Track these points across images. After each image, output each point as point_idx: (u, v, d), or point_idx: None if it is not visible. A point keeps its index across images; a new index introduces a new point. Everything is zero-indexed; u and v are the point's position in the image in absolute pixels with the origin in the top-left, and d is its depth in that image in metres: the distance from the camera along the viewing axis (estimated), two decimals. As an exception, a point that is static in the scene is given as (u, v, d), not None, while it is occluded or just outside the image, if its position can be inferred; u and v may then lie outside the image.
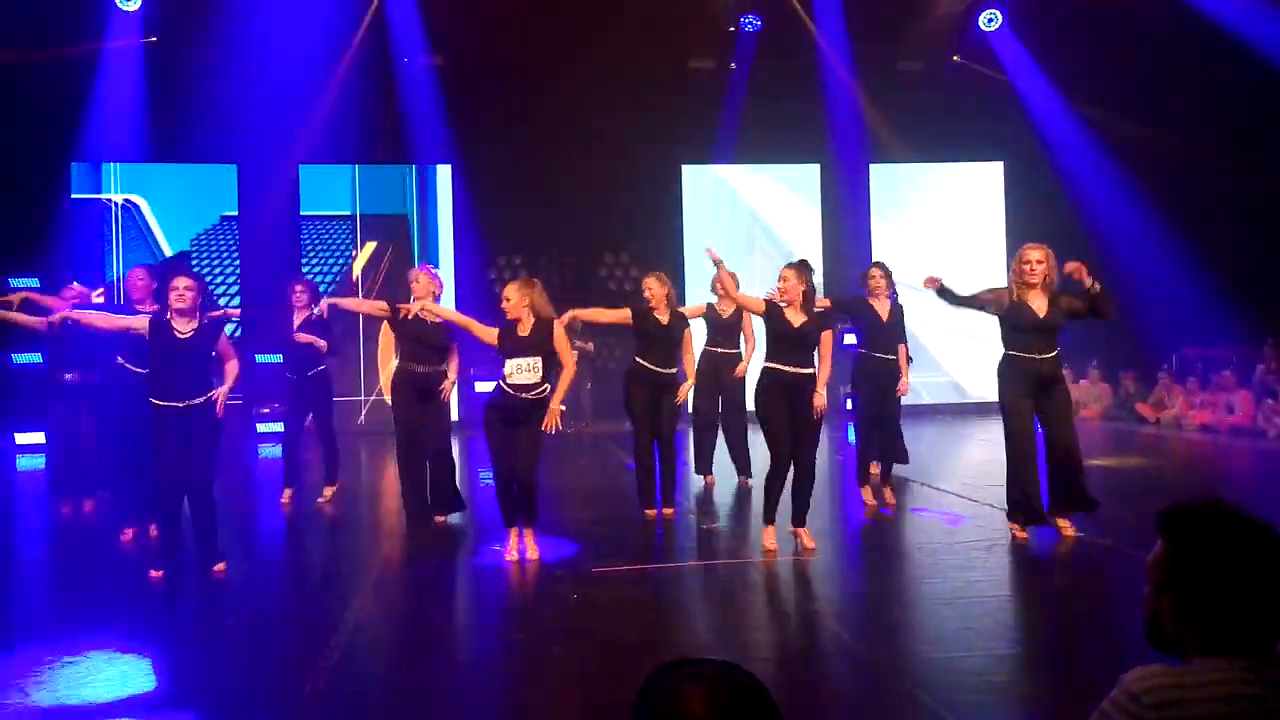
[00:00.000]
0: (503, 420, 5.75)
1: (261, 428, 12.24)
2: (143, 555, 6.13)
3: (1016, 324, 5.94)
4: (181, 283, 5.57)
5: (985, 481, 8.39)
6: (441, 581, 5.89)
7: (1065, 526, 6.05)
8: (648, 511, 6.97)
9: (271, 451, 10.82)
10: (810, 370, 5.88)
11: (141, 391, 5.91)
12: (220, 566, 5.65)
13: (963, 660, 4.15)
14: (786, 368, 5.81)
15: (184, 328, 5.55)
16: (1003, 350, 6.07)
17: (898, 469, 7.83)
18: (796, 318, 5.85)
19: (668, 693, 1.19)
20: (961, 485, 7.93)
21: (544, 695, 3.88)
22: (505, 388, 5.72)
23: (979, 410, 13.41)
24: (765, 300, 6.00)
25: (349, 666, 4.17)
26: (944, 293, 6.30)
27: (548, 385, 5.76)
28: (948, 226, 14.27)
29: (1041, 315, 5.90)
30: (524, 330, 5.73)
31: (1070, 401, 6.19)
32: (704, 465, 8.25)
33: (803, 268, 5.96)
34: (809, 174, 14.14)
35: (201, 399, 5.53)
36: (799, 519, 5.95)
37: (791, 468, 5.85)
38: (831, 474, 8.63)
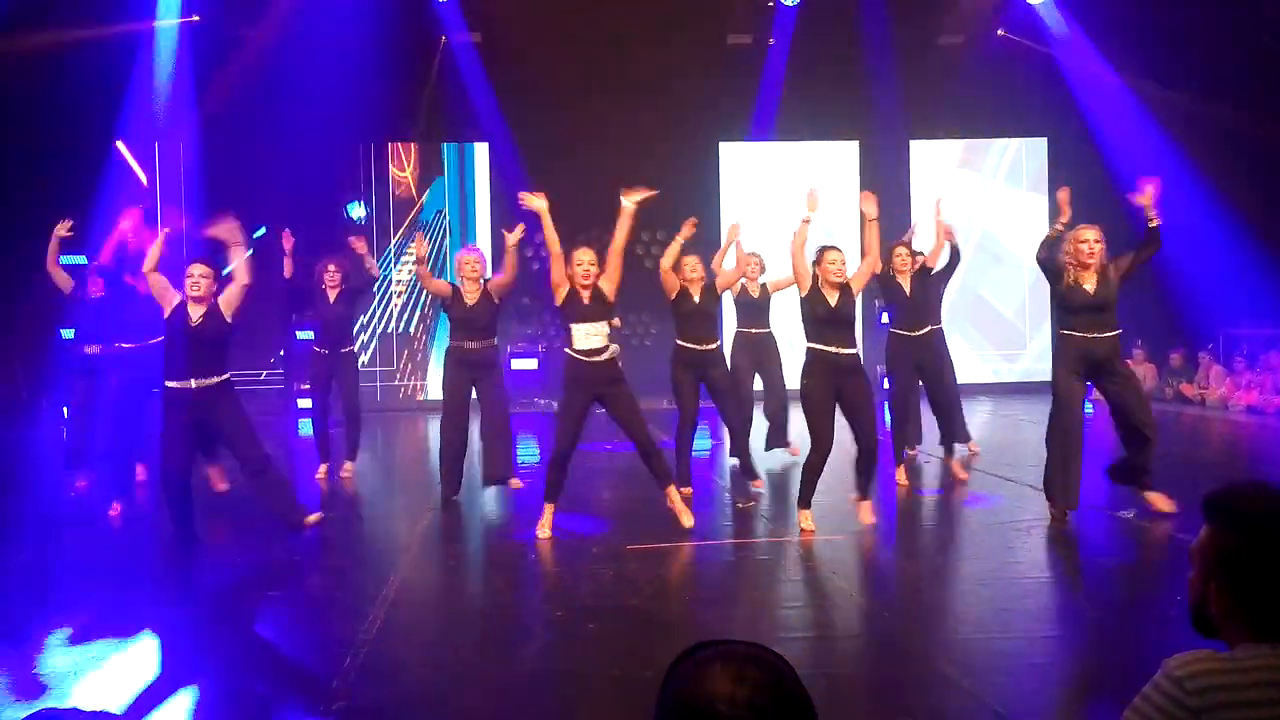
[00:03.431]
0: (583, 391, 5.81)
1: (303, 404, 12.39)
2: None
3: (1070, 304, 5.88)
4: (197, 270, 5.56)
5: (1024, 462, 8.29)
6: (477, 558, 5.94)
7: (1158, 500, 5.89)
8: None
9: (310, 429, 10.95)
10: (854, 350, 5.89)
11: (142, 369, 6.01)
12: (311, 519, 5.74)
13: (1000, 642, 4.11)
14: (830, 348, 5.78)
15: (196, 314, 5.55)
16: (1058, 330, 5.98)
17: (927, 447, 7.78)
18: (833, 295, 5.83)
19: (694, 672, 1.19)
20: (1000, 466, 7.84)
21: (578, 670, 3.90)
22: (574, 355, 5.82)
23: (1018, 390, 13.25)
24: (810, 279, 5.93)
25: (386, 642, 4.22)
26: (1053, 243, 6.01)
27: (615, 346, 5.86)
28: (991, 202, 14.09)
29: (1092, 292, 5.81)
30: (586, 296, 5.83)
31: (1136, 377, 6.08)
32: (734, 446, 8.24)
33: (841, 251, 5.94)
34: (848, 151, 13.99)
35: (216, 379, 5.52)
36: (863, 491, 5.96)
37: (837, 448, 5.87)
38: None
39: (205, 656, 4.17)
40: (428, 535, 6.20)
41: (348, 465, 8.04)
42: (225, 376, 5.60)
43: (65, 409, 7.79)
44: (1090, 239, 5.83)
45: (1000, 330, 13.66)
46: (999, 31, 13.55)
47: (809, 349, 5.88)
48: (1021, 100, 13.59)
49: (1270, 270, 11.73)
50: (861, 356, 5.99)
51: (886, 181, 13.86)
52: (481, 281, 6.96)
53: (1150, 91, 12.66)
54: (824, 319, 5.79)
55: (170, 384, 5.52)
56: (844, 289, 5.84)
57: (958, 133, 13.84)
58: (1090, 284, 5.84)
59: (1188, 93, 12.31)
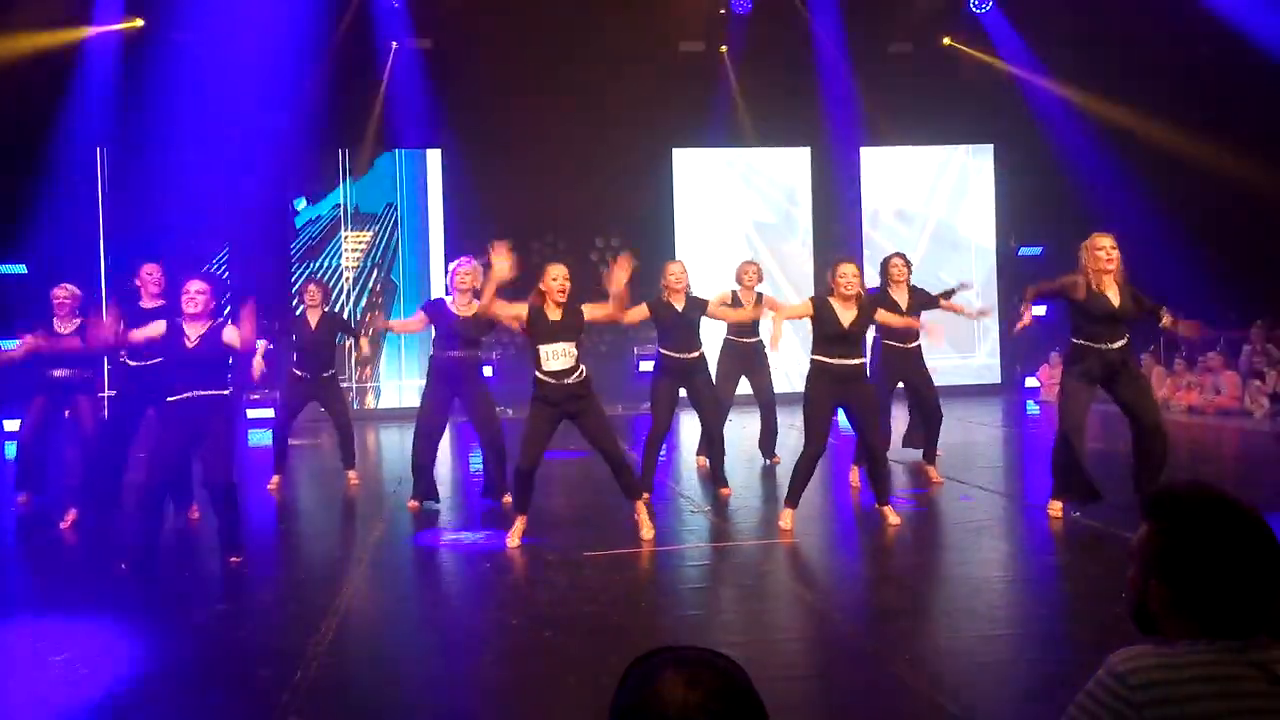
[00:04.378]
0: (551, 410, 5.70)
1: (251, 414, 12.22)
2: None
3: (1091, 313, 5.82)
4: (194, 286, 5.53)
5: (975, 464, 8.43)
6: (430, 567, 5.90)
7: None
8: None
9: (261, 438, 10.80)
10: (859, 361, 5.95)
11: (128, 385, 5.99)
12: (235, 560, 5.55)
13: (950, 641, 4.17)
14: (834, 360, 5.86)
15: (193, 334, 5.50)
16: (1070, 339, 5.97)
17: (898, 454, 7.89)
18: (847, 315, 5.87)
19: (648, 678, 1.20)
20: (951, 468, 7.95)
21: (534, 679, 3.89)
22: (544, 377, 5.67)
23: (962, 393, 13.44)
24: (810, 300, 6.04)
25: (340, 652, 4.17)
26: (1028, 296, 6.13)
27: (583, 368, 5.74)
28: (938, 209, 14.30)
29: (1116, 304, 5.80)
30: (555, 315, 5.69)
31: (1148, 382, 6.16)
32: (704, 449, 8.27)
33: (855, 263, 6.06)
34: (800, 157, 14.12)
35: (213, 392, 5.49)
36: (881, 499, 6.05)
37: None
38: (822, 459, 8.62)
39: (154, 669, 4.09)
40: (380, 545, 6.14)
41: (351, 474, 8.07)
42: (224, 391, 5.56)
43: (18, 423, 7.57)
44: (1106, 245, 5.83)
45: (954, 329, 13.82)
46: (945, 41, 13.80)
47: (812, 359, 5.96)
48: (969, 108, 13.83)
49: (1210, 272, 12.04)
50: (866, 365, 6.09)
51: (837, 187, 14.07)
52: (472, 295, 6.72)
53: (1089, 98, 12.95)
54: (835, 336, 5.85)
55: (169, 398, 5.50)
56: (860, 305, 5.89)
57: (907, 139, 14.04)
58: (1114, 294, 5.81)
59: (1127, 100, 12.61)
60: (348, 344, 12.62)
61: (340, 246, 13.35)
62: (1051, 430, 6.24)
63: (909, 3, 13.30)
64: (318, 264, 13.22)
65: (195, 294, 5.50)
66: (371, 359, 13.12)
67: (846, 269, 5.92)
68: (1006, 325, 14.01)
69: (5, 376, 7.51)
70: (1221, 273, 11.97)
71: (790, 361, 11.95)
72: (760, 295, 7.90)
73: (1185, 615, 1.57)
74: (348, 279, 13.30)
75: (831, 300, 5.91)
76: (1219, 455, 9.31)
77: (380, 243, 13.44)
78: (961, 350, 14.09)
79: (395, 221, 13.43)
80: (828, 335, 5.88)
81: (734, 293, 7.85)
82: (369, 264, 13.37)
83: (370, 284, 13.34)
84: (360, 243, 13.39)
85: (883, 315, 6.22)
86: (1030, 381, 13.61)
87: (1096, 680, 1.57)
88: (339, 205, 13.35)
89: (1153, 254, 12.18)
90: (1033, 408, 12.69)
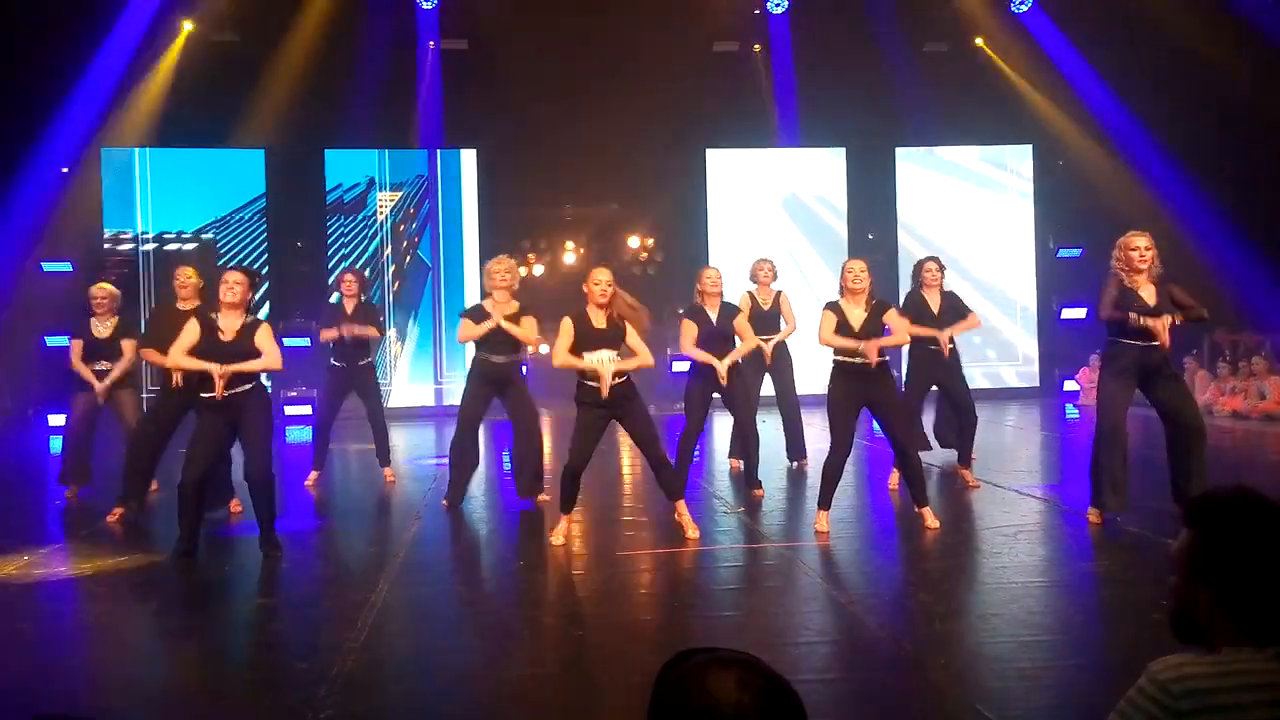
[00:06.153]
0: (599, 410, 5.71)
1: (289, 410, 12.37)
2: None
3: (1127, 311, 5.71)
4: (232, 276, 5.62)
5: (1009, 467, 8.34)
6: (464, 564, 5.93)
7: None
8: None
9: (299, 435, 10.93)
10: (883, 359, 5.91)
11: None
12: (274, 554, 5.58)
13: (987, 646, 4.13)
14: (855, 359, 5.84)
15: (228, 328, 5.56)
16: (1108, 338, 5.86)
17: (927, 457, 7.81)
18: (858, 315, 5.87)
19: (694, 678, 1.19)
20: (988, 472, 7.87)
21: (568, 677, 3.90)
22: (588, 383, 5.67)
23: (1001, 396, 13.31)
24: (825, 310, 5.98)
25: (374, 649, 4.20)
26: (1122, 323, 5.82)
27: (627, 375, 5.74)
28: (976, 210, 14.16)
29: (1151, 304, 5.67)
30: (599, 323, 5.69)
31: (1187, 385, 6.04)
32: (738, 450, 8.25)
33: (866, 262, 6.09)
34: (834, 158, 14.05)
35: (245, 387, 5.54)
36: (919, 500, 6.00)
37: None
38: (857, 461, 8.58)
39: (192, 662, 4.15)
40: (415, 543, 6.18)
41: (387, 471, 8.13)
42: (255, 384, 5.62)
43: (64, 418, 7.73)
44: (1141, 246, 5.69)
45: (993, 333, 13.69)
46: (979, 40, 13.67)
47: (834, 361, 5.96)
48: (1007, 107, 13.68)
49: (1255, 276, 11.82)
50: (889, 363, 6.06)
51: (872, 188, 13.98)
52: (512, 297, 6.77)
53: (1133, 98, 12.76)
54: (848, 337, 5.85)
55: (203, 395, 5.54)
56: (871, 306, 5.90)
57: (944, 139, 13.93)
58: (1148, 294, 5.68)
59: (1173, 97, 12.41)
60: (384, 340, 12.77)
61: (374, 199, 13.46)
62: (1091, 434, 6.15)
63: (946, 2, 13.18)
64: (350, 218, 13.31)
65: (233, 283, 5.57)
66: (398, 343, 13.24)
67: (853, 265, 6.00)
68: (1048, 326, 13.86)
69: (50, 372, 7.66)
70: (1268, 274, 11.75)
71: (807, 361, 11.85)
72: (780, 293, 7.89)
73: (1227, 622, 1.54)
74: (382, 219, 13.34)
75: (842, 302, 5.94)
76: (1264, 461, 9.14)
77: (412, 199, 13.49)
78: (1000, 353, 13.95)
79: (426, 188, 13.50)
80: (844, 336, 5.87)
81: (750, 292, 7.84)
82: (400, 215, 13.43)
83: (403, 247, 13.40)
84: (392, 200, 13.53)
85: (891, 319, 6.00)
86: (1069, 385, 13.44)
87: (1138, 688, 1.54)
88: (370, 177, 13.47)
89: (1196, 254, 12.01)
90: (1072, 411, 12.53)
